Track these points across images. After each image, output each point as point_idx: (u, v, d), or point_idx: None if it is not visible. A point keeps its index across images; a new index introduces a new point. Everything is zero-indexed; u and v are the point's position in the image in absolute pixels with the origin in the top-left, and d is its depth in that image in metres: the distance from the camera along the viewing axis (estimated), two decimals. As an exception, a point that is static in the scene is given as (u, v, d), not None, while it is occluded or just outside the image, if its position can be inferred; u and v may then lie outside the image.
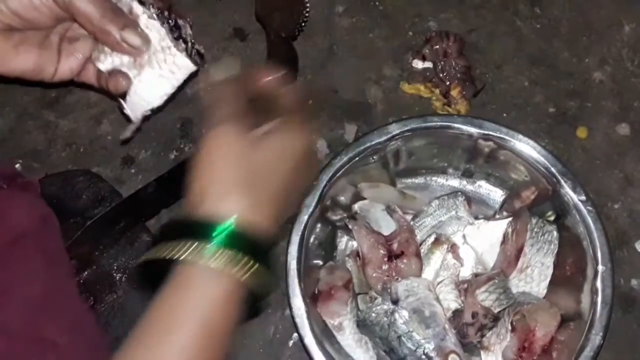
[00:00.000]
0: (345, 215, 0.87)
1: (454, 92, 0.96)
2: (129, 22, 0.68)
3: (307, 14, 0.97)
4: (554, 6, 1.03)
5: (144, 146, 0.96)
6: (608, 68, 1.00)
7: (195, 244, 0.58)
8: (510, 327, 0.79)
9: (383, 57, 1.01)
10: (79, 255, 0.81)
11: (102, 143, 0.96)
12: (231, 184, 0.61)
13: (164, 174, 0.86)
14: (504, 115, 0.97)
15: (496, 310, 0.79)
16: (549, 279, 0.82)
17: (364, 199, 0.88)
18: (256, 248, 0.60)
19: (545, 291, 0.82)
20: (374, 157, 0.85)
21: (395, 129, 0.84)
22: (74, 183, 0.86)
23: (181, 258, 0.58)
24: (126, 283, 0.83)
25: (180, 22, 0.71)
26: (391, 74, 1.00)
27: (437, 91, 0.97)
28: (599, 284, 0.78)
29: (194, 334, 0.58)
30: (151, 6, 0.69)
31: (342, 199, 0.87)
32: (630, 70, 1.00)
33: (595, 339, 0.76)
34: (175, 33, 0.70)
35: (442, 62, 0.98)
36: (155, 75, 0.70)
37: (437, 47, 0.98)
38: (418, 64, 1.00)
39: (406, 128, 0.84)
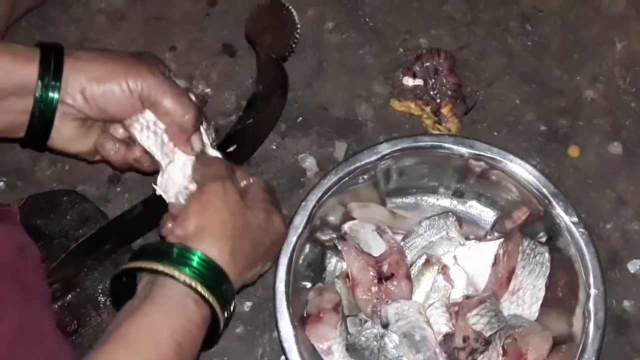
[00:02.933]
0: (334, 235, 0.86)
1: (445, 110, 0.95)
2: (198, 125, 0.76)
3: (297, 35, 0.97)
4: (545, 23, 1.03)
5: (131, 165, 0.94)
6: (600, 86, 1.00)
7: (182, 265, 0.65)
8: (501, 351, 0.78)
9: (373, 74, 1.00)
10: (63, 278, 0.80)
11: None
12: (225, 231, 0.69)
13: (150, 195, 0.84)
14: (495, 133, 0.97)
15: (487, 334, 0.78)
16: (540, 302, 0.81)
17: (354, 219, 0.87)
18: (227, 290, 0.68)
19: (537, 314, 0.82)
20: (364, 177, 0.84)
21: (385, 148, 0.83)
22: (58, 203, 0.85)
23: (167, 273, 0.65)
24: (110, 306, 0.81)
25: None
26: (381, 91, 0.99)
27: (427, 109, 0.96)
28: (591, 307, 0.77)
29: (169, 352, 0.63)
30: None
31: (331, 219, 0.86)
32: (622, 88, 1.00)
33: (588, 362, 0.75)
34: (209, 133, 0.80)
35: (432, 80, 0.97)
36: (187, 161, 0.77)
37: (428, 64, 0.97)
38: (408, 81, 0.99)
39: (396, 148, 0.83)
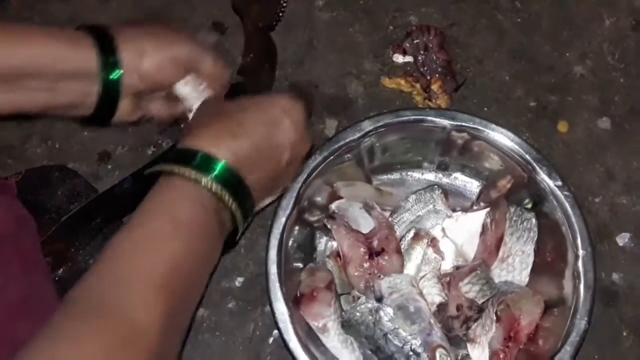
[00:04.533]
0: (323, 215, 0.86)
1: (435, 87, 0.95)
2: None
3: (284, 4, 0.97)
4: (534, 1, 1.03)
5: (121, 142, 0.94)
6: (589, 62, 1.00)
7: (191, 167, 0.65)
8: (495, 318, 0.79)
9: (363, 52, 1.00)
10: (54, 252, 0.80)
11: (79, 139, 0.94)
12: (226, 130, 0.68)
13: (140, 169, 0.84)
14: (485, 109, 0.97)
15: (480, 302, 0.79)
16: (530, 267, 0.82)
17: (341, 198, 0.88)
18: (236, 187, 0.67)
19: (527, 279, 0.82)
20: (349, 155, 0.84)
21: (368, 125, 0.83)
22: (49, 179, 0.85)
23: (176, 172, 0.64)
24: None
25: None
26: (372, 69, 0.99)
27: (417, 86, 0.97)
28: (580, 267, 0.78)
29: (161, 224, 0.62)
30: None
31: (318, 199, 0.86)
32: (611, 64, 1.00)
33: (580, 323, 0.76)
34: None
35: (422, 56, 0.97)
36: None
37: (418, 41, 0.97)
38: (399, 58, 0.99)
39: (379, 124, 0.84)
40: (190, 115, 0.80)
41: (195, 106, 0.80)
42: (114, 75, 0.72)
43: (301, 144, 0.75)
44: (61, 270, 0.81)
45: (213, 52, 0.79)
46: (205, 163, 0.66)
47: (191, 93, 0.79)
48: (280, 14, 0.97)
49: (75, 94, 0.73)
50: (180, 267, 0.61)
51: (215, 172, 0.65)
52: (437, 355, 0.75)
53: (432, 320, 0.78)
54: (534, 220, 0.83)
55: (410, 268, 0.83)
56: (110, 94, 0.74)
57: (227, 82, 0.80)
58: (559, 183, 0.81)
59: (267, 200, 0.76)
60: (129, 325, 0.55)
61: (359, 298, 0.82)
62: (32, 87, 0.71)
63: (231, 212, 0.67)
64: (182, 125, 0.83)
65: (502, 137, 0.83)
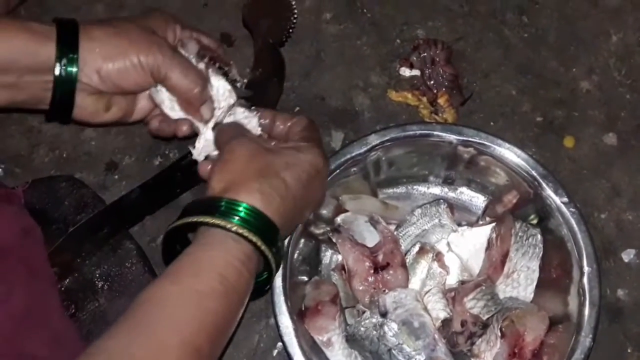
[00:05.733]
0: (328, 228, 0.86)
1: (442, 100, 0.95)
2: (207, 97, 0.78)
3: (294, 21, 0.97)
4: (541, 15, 1.04)
5: (128, 152, 0.95)
6: (595, 77, 1.00)
7: (218, 216, 0.66)
8: (499, 334, 0.79)
9: (370, 65, 1.00)
10: (61, 263, 0.80)
11: (86, 149, 0.95)
12: (248, 174, 0.69)
13: (148, 180, 0.85)
14: (491, 124, 0.97)
15: (485, 317, 0.78)
16: (535, 283, 0.82)
17: (347, 211, 0.88)
18: (267, 233, 0.68)
19: (532, 295, 0.82)
20: (355, 169, 0.85)
21: (374, 139, 0.83)
22: (57, 189, 0.85)
23: (211, 223, 0.66)
24: (108, 291, 0.82)
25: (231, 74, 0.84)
26: (378, 82, 0.99)
27: (424, 99, 0.97)
28: (585, 284, 0.78)
29: (212, 282, 0.63)
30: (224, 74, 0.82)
31: (324, 212, 0.86)
32: (618, 80, 1.00)
33: (585, 341, 0.76)
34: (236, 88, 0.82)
35: (429, 70, 0.97)
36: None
37: (425, 54, 0.98)
38: (405, 72, 0.99)
39: (386, 138, 0.84)
40: (196, 149, 0.79)
41: (175, 115, 0.79)
42: (68, 70, 0.71)
43: (321, 201, 0.79)
44: (68, 280, 0.81)
45: (184, 64, 0.76)
46: (257, 222, 0.67)
47: (166, 101, 0.78)
48: (291, 30, 0.97)
49: (37, 89, 0.73)
50: (218, 328, 0.63)
51: (266, 234, 0.67)
52: (442, 370, 0.75)
53: (436, 336, 0.77)
54: (539, 236, 0.83)
55: (415, 282, 0.83)
56: (63, 90, 0.73)
57: (196, 98, 0.77)
58: (565, 199, 0.81)
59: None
60: None
61: (363, 312, 0.82)
62: None
63: (270, 269, 0.70)
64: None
65: (508, 152, 0.83)
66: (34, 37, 0.71)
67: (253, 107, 0.81)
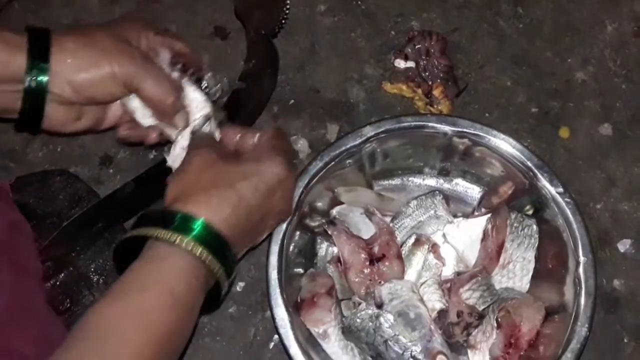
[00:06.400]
0: (323, 221, 0.86)
1: (436, 92, 0.95)
2: (181, 106, 0.78)
3: (287, 11, 0.97)
4: (536, 6, 1.03)
5: (123, 146, 0.94)
6: (590, 68, 1.00)
7: (170, 229, 0.65)
8: (495, 324, 0.79)
9: (365, 57, 1.00)
10: (56, 257, 0.80)
11: (80, 142, 0.95)
12: (199, 185, 0.69)
13: (142, 173, 0.85)
14: (487, 115, 0.97)
15: (481, 308, 0.79)
16: (531, 273, 0.82)
17: (342, 203, 0.88)
18: (219, 247, 0.67)
19: (528, 286, 0.82)
20: (350, 161, 0.85)
21: (369, 131, 0.83)
22: (51, 183, 0.85)
23: (156, 236, 0.65)
24: (103, 285, 0.82)
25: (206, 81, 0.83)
26: (373, 74, 0.99)
27: (419, 91, 0.97)
28: (581, 275, 0.78)
29: (159, 296, 0.63)
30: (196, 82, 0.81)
31: (319, 204, 0.86)
32: (613, 70, 1.00)
33: (581, 330, 0.76)
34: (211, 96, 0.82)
35: (424, 62, 0.97)
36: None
37: (420, 46, 0.97)
38: (400, 64, 0.99)
39: (380, 130, 0.84)
40: (171, 156, 0.78)
41: (176, 136, 0.78)
42: (38, 81, 0.71)
43: (286, 212, 0.78)
44: (62, 274, 0.81)
45: (157, 76, 0.76)
46: (204, 234, 0.66)
47: (138, 110, 0.78)
48: (283, 21, 0.97)
49: (7, 99, 0.72)
50: (169, 338, 0.63)
51: (214, 247, 0.66)
52: (438, 361, 0.75)
53: (432, 327, 0.77)
54: (535, 227, 0.83)
55: (411, 274, 0.83)
56: (32, 99, 0.72)
57: (169, 109, 0.77)
58: (560, 190, 0.81)
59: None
60: None
61: (359, 304, 0.82)
62: None
63: (218, 283, 0.68)
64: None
65: (503, 143, 0.83)
66: (6, 47, 0.70)
67: (221, 122, 0.80)
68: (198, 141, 0.76)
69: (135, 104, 0.77)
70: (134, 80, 0.74)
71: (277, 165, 0.73)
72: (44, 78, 0.71)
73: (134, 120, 0.79)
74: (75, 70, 0.72)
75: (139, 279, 0.64)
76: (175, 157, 0.78)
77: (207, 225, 0.66)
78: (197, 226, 0.66)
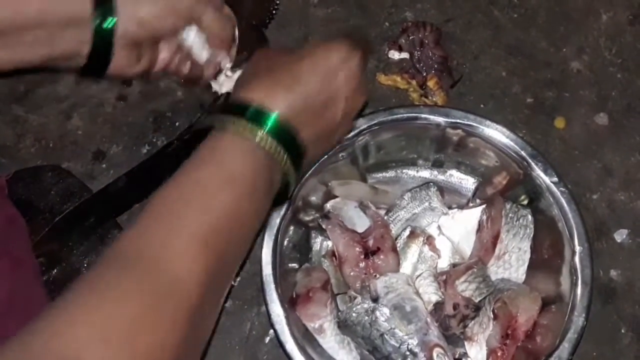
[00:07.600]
0: (317, 215, 0.86)
1: (431, 83, 0.95)
2: (236, 36, 0.80)
3: (278, 1, 0.96)
4: (531, -5, 1.03)
5: (116, 141, 0.94)
6: (586, 57, 1.00)
7: (243, 120, 0.63)
8: (492, 316, 0.79)
9: (359, 48, 0.99)
10: (48, 252, 0.80)
11: (72, 138, 0.94)
12: (280, 82, 0.66)
13: (134, 167, 0.84)
14: (482, 106, 0.97)
15: (477, 300, 0.78)
16: (527, 264, 0.82)
17: (336, 197, 0.87)
18: (290, 143, 0.64)
19: (524, 276, 0.82)
20: (343, 154, 0.84)
21: (362, 123, 0.83)
22: (43, 179, 0.84)
23: (226, 128, 0.62)
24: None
25: None
26: (367, 65, 0.98)
27: (413, 82, 0.96)
28: (577, 264, 0.78)
29: (225, 189, 0.60)
30: None
31: (313, 198, 0.86)
32: (608, 59, 0.99)
33: (578, 320, 0.76)
34: None
35: (418, 53, 0.97)
36: None
37: (414, 37, 0.97)
38: (394, 55, 0.99)
39: (373, 122, 0.83)
40: (217, 82, 0.80)
41: (226, 64, 0.80)
42: (107, 23, 0.70)
43: (356, 96, 0.73)
44: (55, 270, 0.80)
45: (216, 5, 0.77)
46: (258, 116, 0.63)
47: (197, 43, 0.78)
48: (274, 12, 0.96)
49: (71, 44, 0.71)
50: (228, 223, 0.59)
51: (269, 127, 0.63)
52: (435, 354, 0.75)
53: (428, 320, 0.77)
54: (530, 217, 0.83)
55: (406, 267, 0.83)
56: (102, 42, 0.71)
57: (228, 37, 0.78)
58: (555, 179, 0.80)
59: (319, 155, 0.75)
60: (169, 278, 0.53)
61: (355, 298, 0.81)
62: (29, 41, 0.69)
63: (283, 169, 0.65)
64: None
65: (497, 133, 0.82)
66: None
67: None
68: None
69: (192, 37, 0.77)
70: (197, 9, 0.74)
71: (336, 45, 0.70)
72: (111, 19, 0.70)
73: (188, 59, 0.79)
74: (140, 6, 0.71)
75: (193, 159, 0.62)
76: (221, 82, 0.81)
77: (260, 107, 0.64)
78: (252, 110, 0.64)
